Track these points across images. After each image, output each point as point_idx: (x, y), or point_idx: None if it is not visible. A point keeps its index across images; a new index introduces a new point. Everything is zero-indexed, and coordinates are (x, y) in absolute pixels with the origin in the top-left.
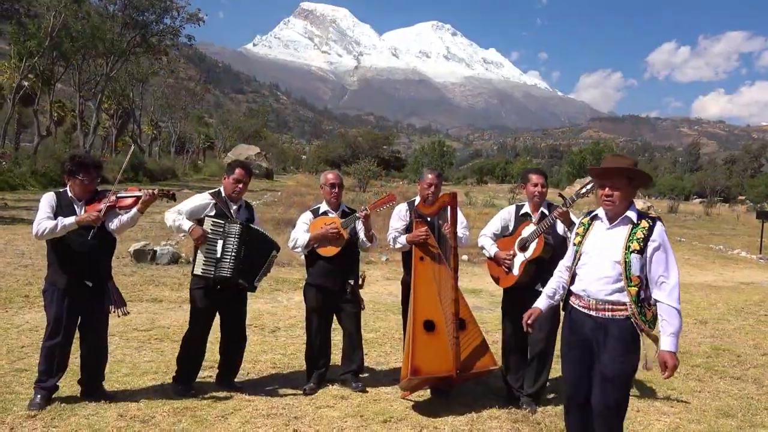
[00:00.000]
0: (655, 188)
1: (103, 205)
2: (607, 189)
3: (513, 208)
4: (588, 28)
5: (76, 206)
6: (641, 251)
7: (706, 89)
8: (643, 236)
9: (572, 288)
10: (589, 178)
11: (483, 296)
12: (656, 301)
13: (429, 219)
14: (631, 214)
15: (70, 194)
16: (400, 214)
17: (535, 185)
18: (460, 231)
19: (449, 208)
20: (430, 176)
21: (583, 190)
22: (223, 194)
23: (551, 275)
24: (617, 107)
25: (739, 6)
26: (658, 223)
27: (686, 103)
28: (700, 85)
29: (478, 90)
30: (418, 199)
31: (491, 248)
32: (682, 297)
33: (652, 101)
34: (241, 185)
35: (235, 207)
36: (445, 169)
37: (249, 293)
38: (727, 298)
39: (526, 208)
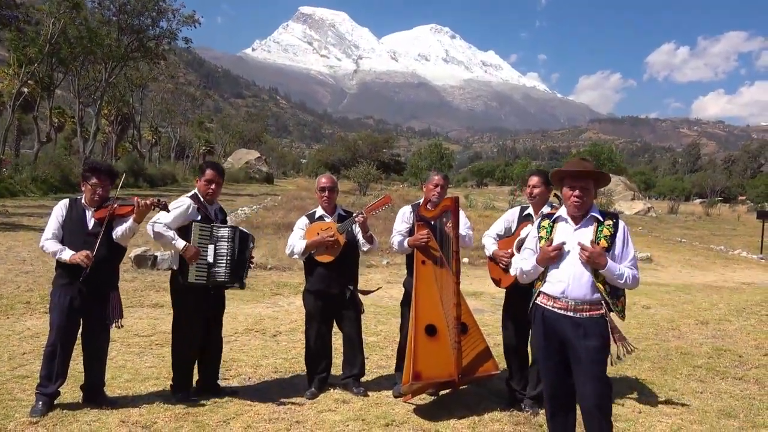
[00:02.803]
0: (655, 189)
1: (108, 209)
2: (578, 191)
3: (518, 209)
4: (587, 30)
5: (87, 212)
6: (609, 248)
7: (706, 90)
8: (609, 233)
9: (544, 290)
10: None
11: (484, 299)
12: None
13: (432, 222)
14: (596, 214)
15: (84, 201)
16: (404, 217)
17: (530, 186)
18: (464, 231)
19: (451, 211)
20: (436, 177)
21: None
22: (200, 197)
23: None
24: (617, 108)
25: (738, 6)
26: (621, 221)
27: (686, 104)
28: (699, 85)
29: (477, 92)
30: (422, 201)
31: (491, 247)
32: (683, 297)
33: (652, 102)
34: (213, 185)
35: (212, 209)
36: (444, 172)
37: (246, 297)
38: (729, 299)
39: (530, 210)
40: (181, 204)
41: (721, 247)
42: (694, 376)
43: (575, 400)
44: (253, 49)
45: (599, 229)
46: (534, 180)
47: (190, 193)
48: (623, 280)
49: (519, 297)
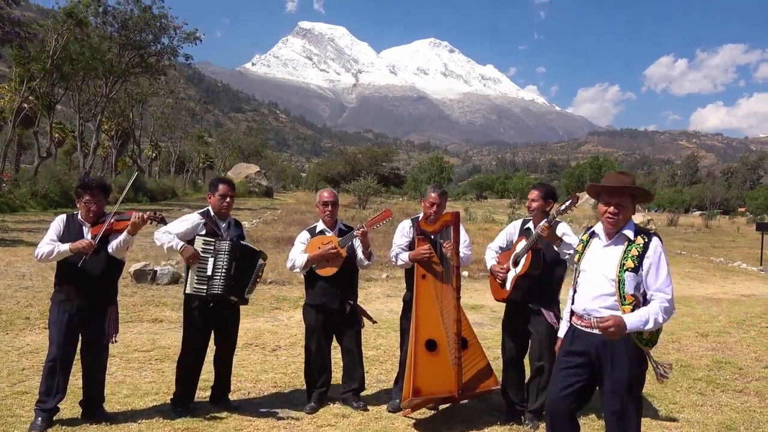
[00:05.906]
0: (655, 202)
1: (106, 224)
2: (612, 207)
3: (520, 222)
4: (586, 42)
5: (84, 228)
6: (636, 269)
7: (704, 102)
8: (638, 254)
9: (573, 308)
10: (569, 196)
11: (484, 312)
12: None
13: (432, 236)
14: (628, 232)
15: (80, 216)
16: (403, 231)
17: (529, 199)
18: (463, 250)
19: (452, 226)
20: (433, 195)
21: (563, 207)
22: (212, 213)
23: (543, 291)
24: (615, 121)
25: (736, 19)
26: (654, 239)
27: (684, 116)
28: (698, 97)
29: (476, 106)
30: (422, 216)
31: (489, 261)
32: (683, 310)
33: (650, 115)
34: (228, 200)
35: (224, 225)
36: (444, 185)
37: (245, 312)
38: (728, 311)
39: (530, 223)
40: (189, 219)
41: (721, 259)
42: (695, 388)
43: (575, 420)
44: (253, 64)
45: (628, 248)
46: (533, 194)
47: (202, 210)
48: (652, 325)
49: (518, 310)
